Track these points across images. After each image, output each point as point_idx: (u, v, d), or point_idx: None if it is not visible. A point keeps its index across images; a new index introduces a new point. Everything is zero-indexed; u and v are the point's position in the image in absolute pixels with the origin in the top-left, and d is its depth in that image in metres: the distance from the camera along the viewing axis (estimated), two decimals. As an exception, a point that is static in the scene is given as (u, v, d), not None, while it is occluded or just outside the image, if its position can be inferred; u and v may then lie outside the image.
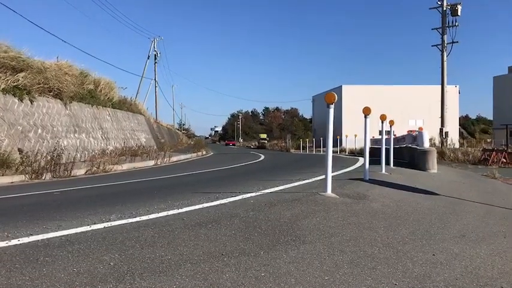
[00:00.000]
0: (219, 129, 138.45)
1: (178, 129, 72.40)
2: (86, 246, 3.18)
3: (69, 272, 2.67)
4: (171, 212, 4.64)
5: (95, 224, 4.04)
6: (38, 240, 3.39)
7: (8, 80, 14.96)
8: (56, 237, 3.49)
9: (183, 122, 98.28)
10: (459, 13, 24.21)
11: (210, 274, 2.84)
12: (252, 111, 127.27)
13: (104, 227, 3.90)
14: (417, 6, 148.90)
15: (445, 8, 24.63)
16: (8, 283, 2.45)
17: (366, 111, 8.16)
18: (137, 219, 4.26)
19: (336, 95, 5.80)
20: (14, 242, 3.37)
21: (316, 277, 3.00)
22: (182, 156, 24.74)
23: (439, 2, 24.83)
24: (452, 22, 24.73)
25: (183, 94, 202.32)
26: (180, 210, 4.73)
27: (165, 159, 20.28)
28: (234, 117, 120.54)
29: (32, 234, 3.58)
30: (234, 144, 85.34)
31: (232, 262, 3.11)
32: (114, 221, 4.18)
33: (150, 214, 4.53)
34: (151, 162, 19.03)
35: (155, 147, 26.77)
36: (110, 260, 2.92)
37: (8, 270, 2.64)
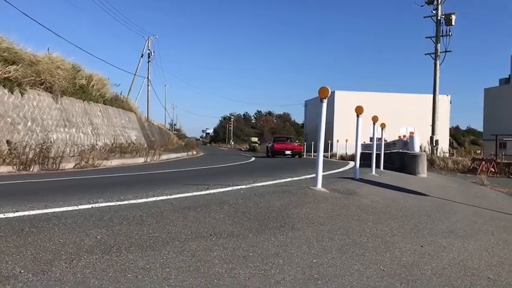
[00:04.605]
0: (211, 131, 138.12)
1: (169, 129, 71.01)
2: (72, 221, 3.14)
3: (55, 242, 2.63)
4: (159, 198, 4.61)
5: (82, 204, 4.00)
6: (24, 215, 3.35)
7: (-1, 71, 14.82)
8: (43, 213, 3.46)
9: (174, 123, 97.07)
10: (453, 23, 24.46)
11: (198, 251, 2.82)
12: (244, 114, 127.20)
13: (92, 207, 3.87)
14: (412, 14, 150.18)
15: (439, 17, 24.86)
16: (-9, 249, 2.41)
17: (359, 110, 8.19)
18: (125, 202, 4.23)
19: (329, 90, 5.82)
20: (0, 216, 3.33)
21: (305, 259, 2.99)
22: (172, 155, 24.67)
23: (433, 11, 25.06)
24: (446, 31, 24.98)
25: (176, 94, 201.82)
26: (170, 197, 4.71)
27: (155, 157, 20.23)
28: (225, 119, 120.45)
29: (18, 211, 3.54)
30: (298, 153, 26.79)
31: (220, 242, 3.08)
32: (102, 203, 4.14)
33: (138, 199, 4.49)
34: (141, 160, 18.95)
35: (145, 145, 26.65)
36: (96, 234, 2.89)
37: (-8, 238, 2.61)
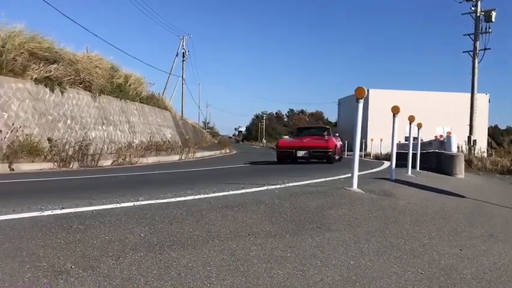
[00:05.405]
0: (243, 129, 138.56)
1: (203, 128, 71.90)
2: (116, 219, 3.26)
3: (102, 240, 2.74)
4: (197, 197, 4.70)
5: (124, 202, 4.13)
6: (71, 212, 3.50)
7: (40, 70, 15.35)
8: (88, 211, 3.59)
9: (207, 121, 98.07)
10: (493, 19, 23.76)
11: (237, 251, 2.89)
12: (276, 113, 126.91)
13: (134, 205, 3.99)
14: (449, 11, 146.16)
15: (478, 14, 24.20)
16: (44, 244, 2.54)
17: (395, 110, 8.11)
18: (165, 200, 4.34)
19: (365, 90, 5.80)
20: (48, 212, 3.48)
21: (342, 261, 3.01)
22: (206, 153, 24.95)
23: (472, 8, 24.42)
24: (486, 28, 24.31)
25: (209, 93, 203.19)
26: (207, 196, 4.79)
27: (190, 155, 20.54)
28: (258, 118, 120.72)
29: (64, 208, 3.69)
30: (322, 154, 15.40)
31: (258, 242, 3.14)
32: (142, 201, 4.26)
33: (177, 197, 4.60)
34: (176, 157, 19.28)
35: (180, 143, 27.04)
36: (140, 231, 2.99)
37: (44, 234, 2.74)
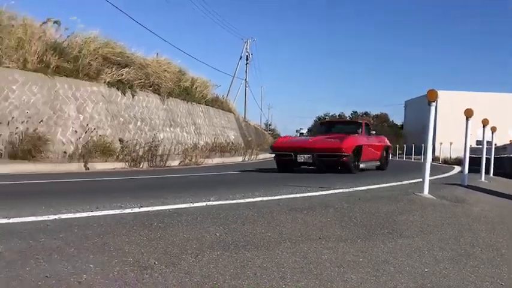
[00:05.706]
0: (305, 131, 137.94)
1: (264, 129, 72.65)
2: (192, 218, 3.39)
3: (181, 238, 2.87)
4: (265, 198, 4.79)
5: (196, 202, 4.29)
6: (149, 211, 3.68)
7: (113, 74, 16.18)
8: (164, 209, 3.76)
9: (269, 123, 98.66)
10: None
11: (309, 253, 2.92)
12: (339, 115, 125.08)
13: (206, 205, 4.14)
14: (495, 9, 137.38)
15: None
16: (129, 241, 2.70)
17: (468, 113, 7.80)
18: (235, 201, 4.46)
19: (437, 92, 5.63)
20: (128, 210, 3.69)
21: (416, 268, 2.96)
22: (268, 155, 25.11)
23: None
24: None
25: (271, 95, 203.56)
26: (275, 197, 4.87)
27: (252, 156, 20.87)
28: (320, 120, 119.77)
29: (142, 206, 3.89)
30: (335, 159, 11.02)
31: (329, 245, 3.15)
32: (214, 201, 4.41)
33: (246, 198, 4.71)
34: (239, 158, 19.63)
35: (243, 144, 27.45)
36: (215, 231, 3.10)
37: (128, 231, 2.91)
